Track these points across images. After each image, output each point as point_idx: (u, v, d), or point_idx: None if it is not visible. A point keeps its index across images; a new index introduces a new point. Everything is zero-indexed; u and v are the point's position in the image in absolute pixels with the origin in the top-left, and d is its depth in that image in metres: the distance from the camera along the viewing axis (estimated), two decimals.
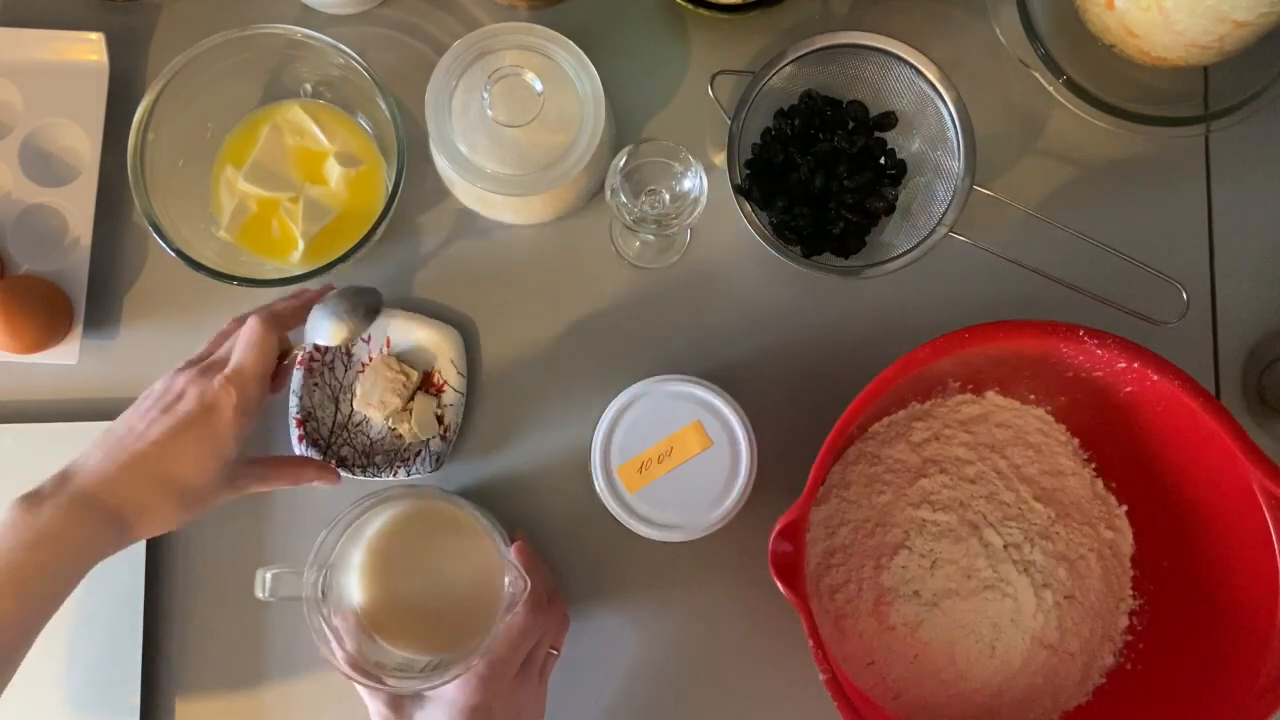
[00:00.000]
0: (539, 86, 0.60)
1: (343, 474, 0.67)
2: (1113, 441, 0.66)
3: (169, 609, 0.67)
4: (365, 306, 0.59)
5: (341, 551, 0.60)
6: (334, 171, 0.67)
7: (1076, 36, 0.69)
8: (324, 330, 0.59)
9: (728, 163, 0.64)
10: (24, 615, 0.51)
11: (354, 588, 0.60)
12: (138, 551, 0.66)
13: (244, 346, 0.57)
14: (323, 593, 0.59)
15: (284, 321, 0.59)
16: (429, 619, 0.60)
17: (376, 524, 0.61)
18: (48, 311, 0.65)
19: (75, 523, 0.52)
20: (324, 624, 0.59)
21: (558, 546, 0.68)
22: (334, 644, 0.59)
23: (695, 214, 0.59)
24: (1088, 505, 0.67)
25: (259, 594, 0.59)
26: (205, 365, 0.57)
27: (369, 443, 0.67)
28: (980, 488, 0.66)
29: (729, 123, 0.64)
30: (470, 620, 0.60)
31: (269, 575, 0.59)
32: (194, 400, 0.55)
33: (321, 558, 0.59)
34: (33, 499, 0.52)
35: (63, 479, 0.53)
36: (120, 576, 0.65)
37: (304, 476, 0.62)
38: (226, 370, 0.56)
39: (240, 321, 0.60)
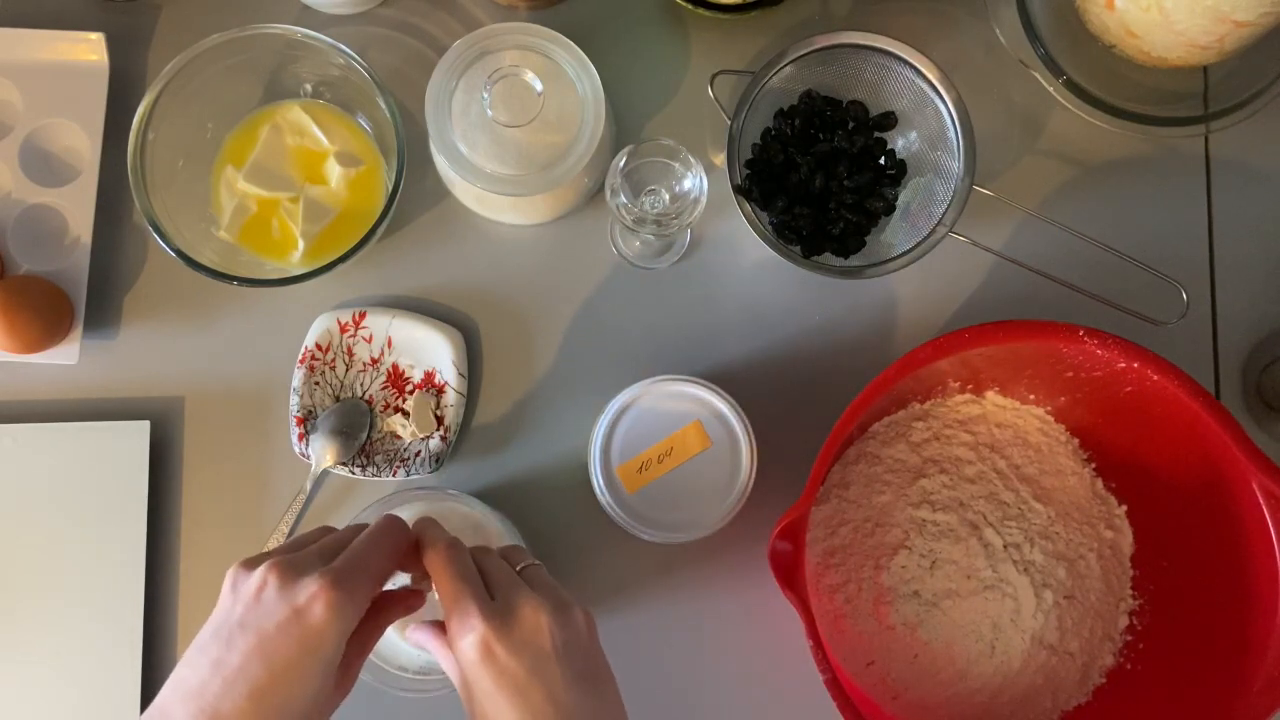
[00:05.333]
0: (539, 86, 0.60)
1: (343, 473, 0.67)
2: (1113, 441, 0.66)
3: (170, 624, 0.67)
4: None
5: None
6: (334, 171, 0.67)
7: (1076, 37, 0.69)
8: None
9: (728, 163, 0.64)
10: None
11: None
12: (136, 567, 0.65)
13: (368, 539, 0.48)
14: None
15: (403, 544, 0.50)
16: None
17: None
18: (48, 311, 0.65)
19: None
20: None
21: (558, 547, 0.68)
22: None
23: (695, 214, 0.59)
24: (1088, 505, 0.67)
25: None
26: (294, 557, 0.46)
27: (369, 443, 0.67)
28: (980, 488, 0.67)
29: (729, 123, 0.64)
30: None
31: None
32: (278, 604, 0.44)
33: None
34: None
35: None
36: (119, 593, 0.65)
37: (391, 616, 0.52)
38: (333, 571, 0.45)
39: (326, 527, 0.52)
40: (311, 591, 0.44)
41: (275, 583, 0.45)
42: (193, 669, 0.44)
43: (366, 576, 0.47)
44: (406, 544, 0.51)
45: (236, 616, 0.45)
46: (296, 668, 0.44)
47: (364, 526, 0.51)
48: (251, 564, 0.46)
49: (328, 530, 0.52)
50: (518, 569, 0.51)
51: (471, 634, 0.46)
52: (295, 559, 0.46)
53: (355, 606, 0.46)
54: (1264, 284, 0.71)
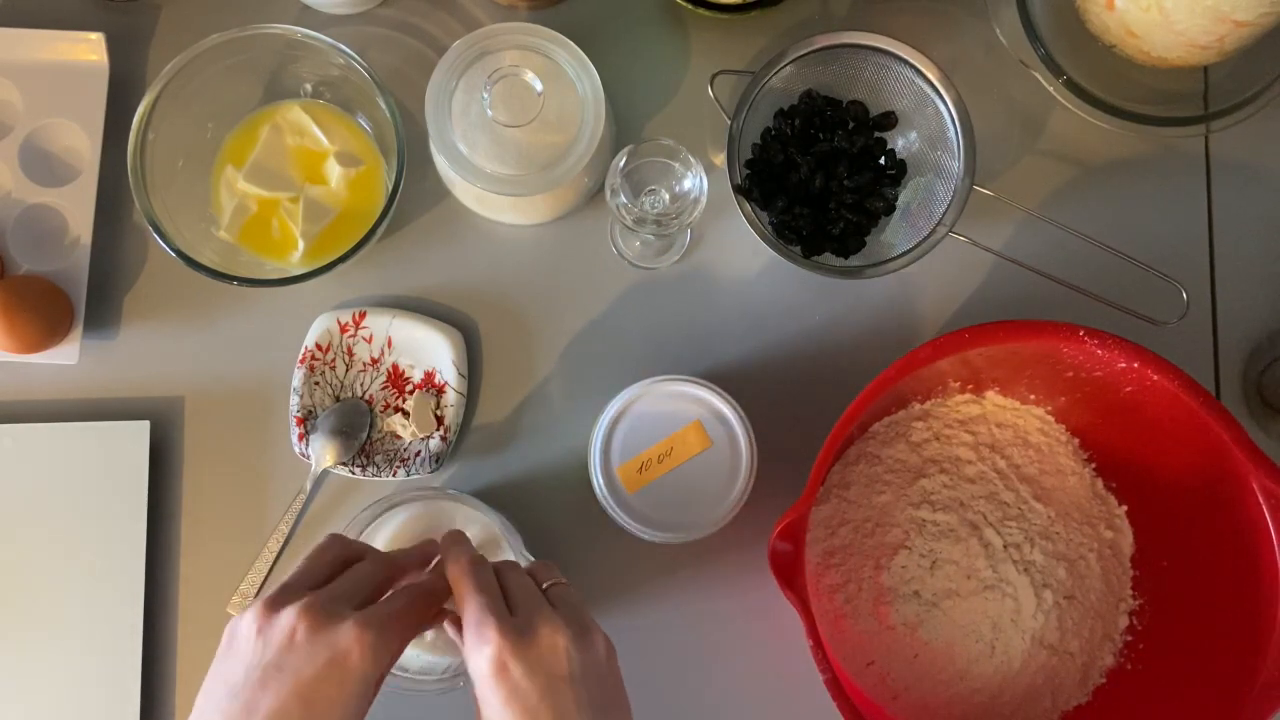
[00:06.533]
0: (539, 86, 0.60)
1: (343, 473, 0.67)
2: (1113, 441, 0.66)
3: (171, 624, 0.67)
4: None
5: None
6: (334, 171, 0.67)
7: (1076, 37, 0.69)
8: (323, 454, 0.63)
9: (728, 163, 0.64)
10: None
11: None
12: (136, 567, 0.65)
13: (408, 595, 0.48)
14: None
15: (441, 587, 0.50)
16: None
17: (389, 528, 0.61)
18: (48, 311, 0.65)
19: None
20: None
21: (558, 547, 0.68)
22: None
23: (695, 214, 0.59)
24: (1088, 505, 0.67)
25: None
26: (318, 599, 0.46)
27: (369, 443, 0.67)
28: (980, 488, 0.67)
29: (729, 123, 0.64)
30: None
31: None
32: (315, 650, 0.44)
33: None
34: None
35: None
36: (119, 593, 0.65)
37: (415, 633, 0.51)
38: (368, 614, 0.46)
39: (342, 542, 0.51)
40: (351, 637, 0.44)
41: (307, 627, 0.45)
42: (223, 714, 0.44)
43: (404, 621, 0.47)
44: (439, 589, 0.50)
45: (270, 660, 0.44)
46: (337, 706, 0.44)
47: (378, 551, 0.51)
48: (275, 605, 0.46)
49: (339, 542, 0.51)
50: (543, 586, 0.51)
51: (487, 647, 0.45)
52: (325, 602, 0.46)
53: (392, 648, 0.46)
54: (1264, 284, 0.71)
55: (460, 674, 0.59)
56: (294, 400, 0.67)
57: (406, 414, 0.67)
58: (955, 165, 0.64)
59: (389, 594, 0.49)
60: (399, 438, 0.67)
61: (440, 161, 0.65)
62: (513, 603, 0.49)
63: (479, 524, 0.61)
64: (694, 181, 0.59)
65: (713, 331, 0.69)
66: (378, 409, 0.68)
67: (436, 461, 0.66)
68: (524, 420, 0.69)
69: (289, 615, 0.45)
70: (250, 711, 0.43)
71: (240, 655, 0.45)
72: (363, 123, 0.69)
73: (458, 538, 0.53)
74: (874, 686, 0.65)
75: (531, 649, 0.46)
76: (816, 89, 0.67)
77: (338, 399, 0.68)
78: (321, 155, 0.68)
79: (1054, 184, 0.71)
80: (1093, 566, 0.66)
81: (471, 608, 0.48)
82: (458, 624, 0.50)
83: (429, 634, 0.60)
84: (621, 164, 0.58)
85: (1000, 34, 0.68)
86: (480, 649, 0.46)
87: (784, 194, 0.66)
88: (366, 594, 0.48)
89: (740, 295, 0.70)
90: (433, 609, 0.50)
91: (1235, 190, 0.71)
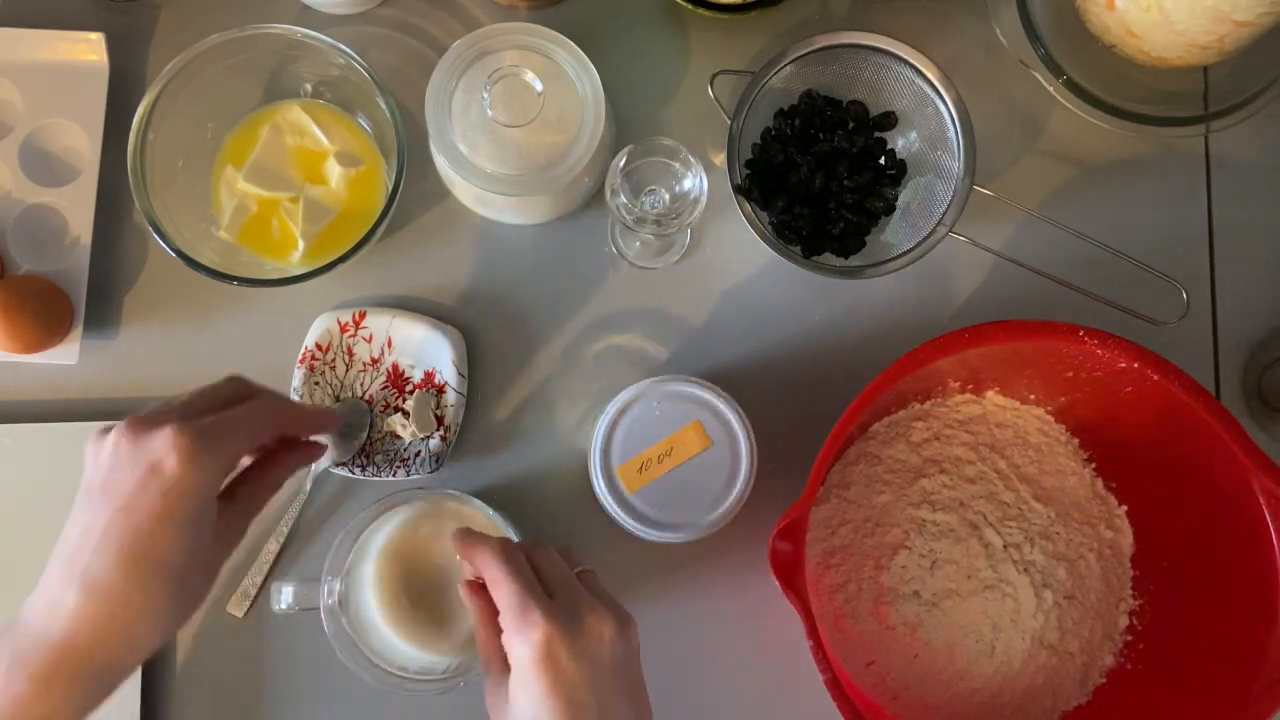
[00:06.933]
0: (539, 86, 0.60)
1: (343, 473, 0.67)
2: (1113, 441, 0.66)
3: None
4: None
5: (355, 558, 0.60)
6: (334, 171, 0.67)
7: (1076, 37, 0.69)
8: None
9: (728, 163, 0.64)
10: None
11: (371, 593, 0.60)
12: None
13: (254, 408, 0.47)
14: (340, 601, 0.59)
15: (294, 423, 0.51)
16: (446, 622, 0.60)
17: (390, 528, 0.61)
18: (48, 311, 0.65)
19: (57, 698, 0.42)
20: (346, 631, 0.59)
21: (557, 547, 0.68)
22: (356, 650, 0.59)
23: (695, 214, 0.59)
24: (1088, 505, 0.67)
25: (276, 607, 0.59)
26: (146, 414, 0.45)
27: (369, 443, 0.67)
28: (980, 488, 0.67)
29: (729, 123, 0.64)
30: None
31: (286, 588, 0.59)
32: (131, 458, 0.43)
33: (336, 566, 0.60)
34: None
35: (27, 642, 0.42)
36: None
37: (286, 468, 0.52)
38: (192, 422, 0.44)
39: (241, 383, 0.50)
40: (165, 444, 0.43)
41: (128, 439, 0.43)
42: (64, 539, 0.44)
43: (231, 431, 0.45)
44: (290, 420, 0.50)
45: (98, 480, 0.43)
46: (161, 522, 0.42)
47: (274, 397, 0.50)
48: (108, 428, 0.44)
49: (237, 383, 0.49)
50: (575, 571, 0.50)
51: (534, 632, 0.45)
52: (149, 414, 0.44)
53: (217, 458, 0.44)
54: (1264, 284, 0.71)
55: (460, 674, 0.59)
56: (294, 400, 0.67)
57: (406, 414, 0.67)
58: (955, 165, 0.64)
59: (226, 411, 0.46)
60: (399, 438, 0.67)
61: (440, 161, 0.65)
62: (550, 587, 0.48)
63: (479, 524, 0.61)
64: (694, 181, 0.59)
65: (713, 331, 0.69)
66: (378, 409, 0.68)
67: (436, 461, 0.66)
68: (524, 420, 0.69)
69: (114, 431, 0.44)
70: (85, 534, 0.43)
71: (83, 482, 0.45)
72: (363, 123, 0.69)
73: (470, 530, 0.52)
74: (874, 686, 0.65)
75: (580, 637, 0.45)
76: (816, 89, 0.67)
77: (338, 399, 0.68)
78: (321, 155, 0.68)
79: (1054, 184, 0.71)
80: (1093, 566, 0.66)
81: (511, 591, 0.46)
82: (474, 590, 0.50)
83: (428, 634, 0.60)
84: (621, 164, 0.58)
85: (1000, 34, 0.68)
86: (526, 634, 0.45)
87: (784, 194, 0.66)
88: (204, 411, 0.46)
89: (740, 295, 0.70)
90: (271, 428, 0.48)
91: (1235, 190, 0.71)
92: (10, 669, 0.41)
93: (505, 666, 0.48)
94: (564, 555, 0.52)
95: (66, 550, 0.43)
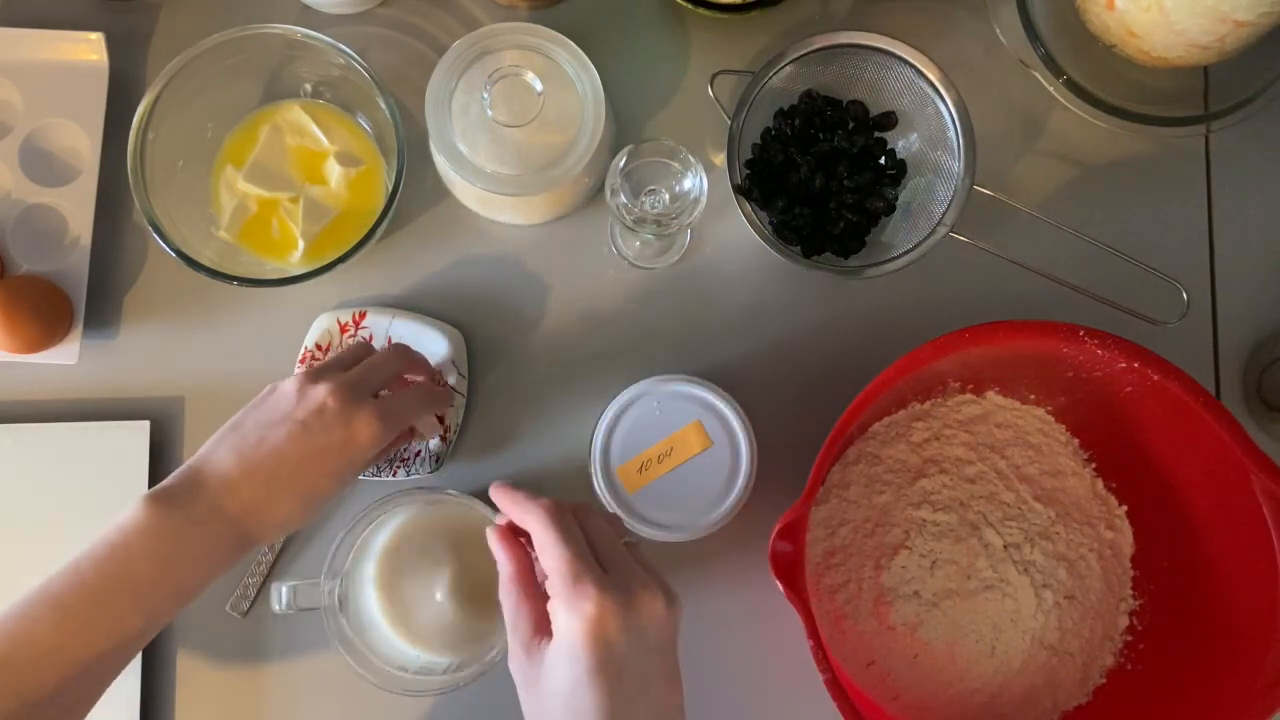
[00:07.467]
0: (539, 86, 0.60)
1: None
2: (1113, 441, 0.66)
3: (169, 627, 0.67)
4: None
5: (355, 559, 0.61)
6: (334, 171, 0.67)
7: (1077, 37, 0.69)
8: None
9: (728, 163, 0.64)
10: (146, 631, 0.49)
11: (370, 594, 0.60)
12: None
13: (416, 395, 0.58)
14: (340, 601, 0.59)
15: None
16: (445, 621, 0.60)
17: (389, 528, 0.61)
18: (48, 311, 0.65)
19: (211, 541, 0.50)
20: (346, 631, 0.59)
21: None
22: (356, 650, 0.59)
23: (695, 214, 0.59)
24: (1088, 505, 0.67)
25: (276, 607, 0.59)
26: (349, 383, 0.54)
27: None
28: (980, 488, 0.66)
29: (729, 123, 0.64)
30: (485, 620, 0.61)
31: (285, 588, 0.59)
32: (337, 424, 0.52)
33: (336, 566, 0.60)
34: (165, 502, 0.48)
35: (195, 484, 0.50)
36: None
37: (417, 415, 0.60)
38: (382, 406, 0.54)
39: (368, 346, 0.60)
40: (365, 422, 0.52)
41: (337, 403, 0.52)
42: (242, 435, 0.51)
43: (405, 418, 0.56)
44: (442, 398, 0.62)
45: (299, 416, 0.52)
46: (332, 475, 0.52)
47: (399, 349, 0.60)
48: (314, 379, 0.53)
49: (367, 346, 0.59)
50: (623, 542, 0.50)
51: (588, 604, 0.44)
52: (356, 387, 0.54)
53: (390, 438, 0.54)
54: (1264, 284, 0.71)
55: (459, 671, 0.59)
56: None
57: None
58: (955, 165, 0.64)
59: (405, 394, 0.58)
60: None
61: (440, 161, 0.65)
62: (603, 560, 0.47)
63: (480, 524, 0.61)
64: (694, 181, 0.59)
65: (713, 331, 0.69)
66: None
67: (436, 461, 0.66)
68: (524, 420, 0.69)
69: (324, 388, 0.52)
70: (264, 443, 0.51)
71: (275, 404, 0.53)
72: (363, 123, 0.69)
73: (512, 486, 0.53)
74: (874, 687, 0.65)
75: (633, 614, 0.45)
76: (816, 89, 0.67)
77: None
78: (321, 155, 0.68)
79: (1054, 184, 0.71)
80: (1093, 566, 0.66)
81: (563, 557, 0.46)
82: (506, 539, 0.51)
83: (428, 634, 0.60)
84: (621, 164, 0.58)
85: (1000, 34, 0.68)
86: (577, 604, 0.44)
87: (784, 194, 0.66)
88: (381, 385, 0.56)
89: (740, 295, 0.70)
90: (429, 411, 0.61)
91: (1235, 190, 0.71)
92: (211, 510, 0.50)
93: (537, 629, 0.47)
94: (611, 524, 0.52)
95: (246, 444, 0.51)
